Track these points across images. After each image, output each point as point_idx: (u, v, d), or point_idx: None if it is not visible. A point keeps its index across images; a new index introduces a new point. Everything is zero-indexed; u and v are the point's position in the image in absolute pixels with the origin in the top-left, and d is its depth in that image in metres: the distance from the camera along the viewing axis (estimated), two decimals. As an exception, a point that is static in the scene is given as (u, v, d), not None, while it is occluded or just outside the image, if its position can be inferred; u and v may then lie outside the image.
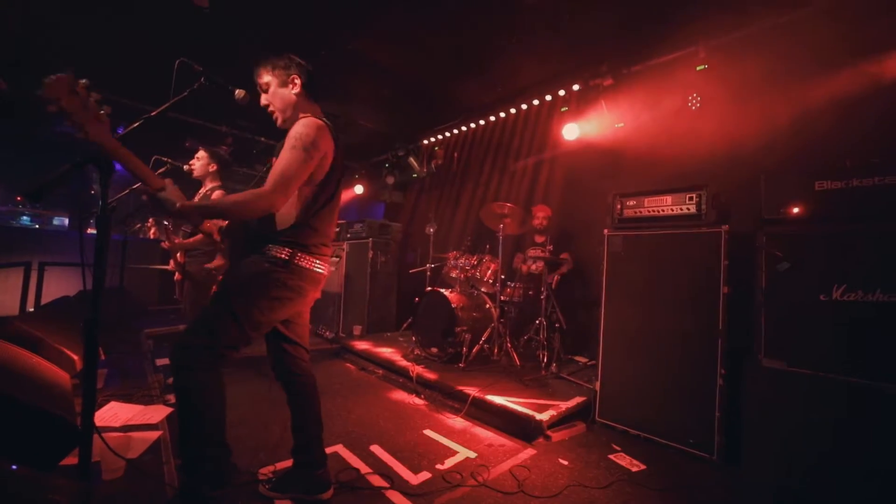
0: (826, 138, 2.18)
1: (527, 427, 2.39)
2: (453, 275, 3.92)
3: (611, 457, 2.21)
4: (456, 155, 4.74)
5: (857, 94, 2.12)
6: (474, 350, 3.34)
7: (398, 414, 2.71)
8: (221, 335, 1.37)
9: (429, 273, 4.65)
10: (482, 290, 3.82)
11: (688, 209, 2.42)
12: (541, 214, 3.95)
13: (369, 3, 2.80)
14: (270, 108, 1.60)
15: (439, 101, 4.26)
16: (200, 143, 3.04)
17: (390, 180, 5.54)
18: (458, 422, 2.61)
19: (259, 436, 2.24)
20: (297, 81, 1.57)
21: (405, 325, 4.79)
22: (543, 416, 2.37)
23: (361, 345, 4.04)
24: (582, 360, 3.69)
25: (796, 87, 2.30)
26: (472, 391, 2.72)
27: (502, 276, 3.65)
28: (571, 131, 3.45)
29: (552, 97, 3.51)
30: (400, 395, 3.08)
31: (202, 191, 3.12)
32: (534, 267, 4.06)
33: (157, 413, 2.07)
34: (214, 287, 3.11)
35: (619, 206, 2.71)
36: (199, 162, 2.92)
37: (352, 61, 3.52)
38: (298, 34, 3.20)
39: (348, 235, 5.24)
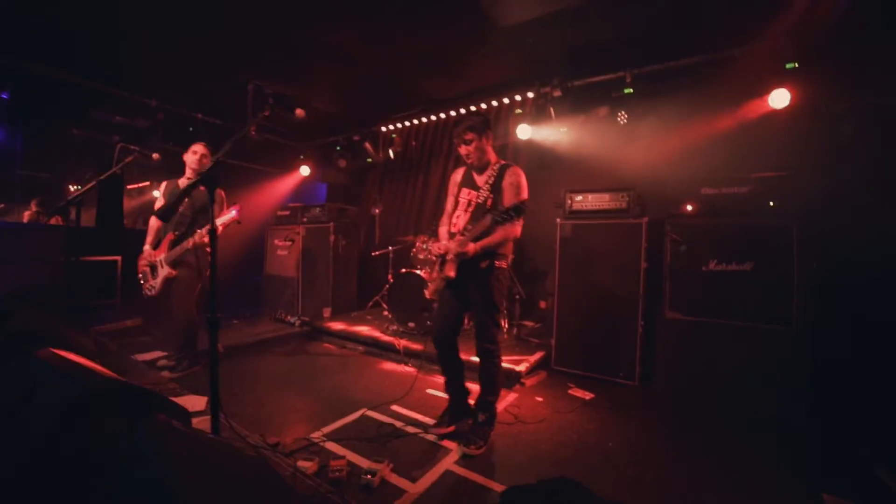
0: (714, 156, 3.12)
1: (508, 377, 3.04)
2: (421, 256, 4.34)
3: (569, 392, 2.98)
4: (414, 143, 5.04)
5: (740, 126, 3.08)
6: (449, 322, 3.88)
7: (398, 380, 3.15)
8: (499, 326, 2.00)
9: (391, 256, 5.00)
10: (449, 269, 4.32)
11: (619, 205, 3.22)
12: None
13: (358, 4, 2.95)
14: (468, 155, 2.21)
15: (402, 92, 4.47)
16: (202, 138, 3.01)
17: (342, 163, 5.59)
18: (450, 381, 3.16)
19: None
20: (490, 134, 2.24)
21: (370, 304, 5.11)
22: (521, 368, 3.04)
23: (337, 325, 4.30)
24: (529, 323, 4.48)
25: (701, 116, 3.21)
26: (458, 355, 3.27)
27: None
28: (524, 131, 4.04)
29: (509, 100, 4.04)
30: (390, 366, 3.51)
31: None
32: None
33: (197, 402, 2.21)
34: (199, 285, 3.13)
35: (569, 201, 3.42)
36: (195, 157, 2.94)
37: (325, 51, 3.57)
38: (279, 28, 3.19)
39: (304, 219, 5.24)
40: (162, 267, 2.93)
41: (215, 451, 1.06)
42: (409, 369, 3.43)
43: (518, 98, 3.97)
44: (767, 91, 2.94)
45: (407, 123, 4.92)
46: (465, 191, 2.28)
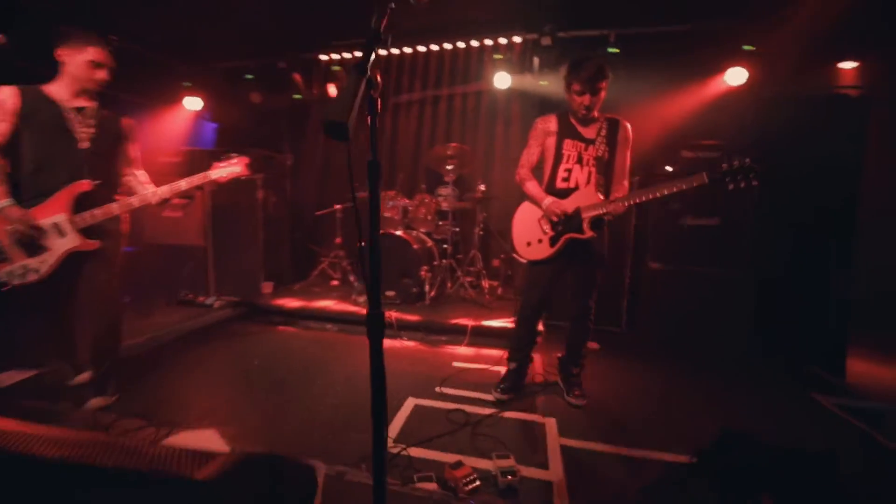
0: (693, 123, 3.45)
1: (523, 339, 2.97)
2: (388, 215, 3.79)
3: (577, 344, 3.11)
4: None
5: (714, 97, 3.45)
6: (435, 287, 3.55)
7: (413, 359, 2.76)
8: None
9: (339, 216, 4.24)
10: (420, 229, 3.90)
11: (613, 164, 3.33)
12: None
13: None
14: (590, 106, 1.97)
15: (354, 14, 3.59)
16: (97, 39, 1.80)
17: (257, 98, 4.33)
18: (466, 350, 2.92)
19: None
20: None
21: (315, 273, 4.29)
22: (539, 328, 2.99)
23: (291, 302, 3.48)
24: (490, 283, 4.47)
25: (682, 85, 3.47)
26: (467, 322, 3.03)
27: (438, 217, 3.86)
28: (503, 80, 3.75)
29: (493, 42, 3.65)
30: (385, 342, 3.03)
31: (85, 104, 1.86)
32: (445, 204, 4.35)
33: (207, 439, 1.44)
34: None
35: (564, 158, 3.38)
36: (89, 69, 1.81)
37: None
38: None
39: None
40: (62, 235, 1.76)
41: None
42: (409, 343, 3.05)
43: (503, 41, 3.62)
44: (726, 67, 3.36)
45: (358, 54, 4.02)
46: (568, 142, 2.08)
